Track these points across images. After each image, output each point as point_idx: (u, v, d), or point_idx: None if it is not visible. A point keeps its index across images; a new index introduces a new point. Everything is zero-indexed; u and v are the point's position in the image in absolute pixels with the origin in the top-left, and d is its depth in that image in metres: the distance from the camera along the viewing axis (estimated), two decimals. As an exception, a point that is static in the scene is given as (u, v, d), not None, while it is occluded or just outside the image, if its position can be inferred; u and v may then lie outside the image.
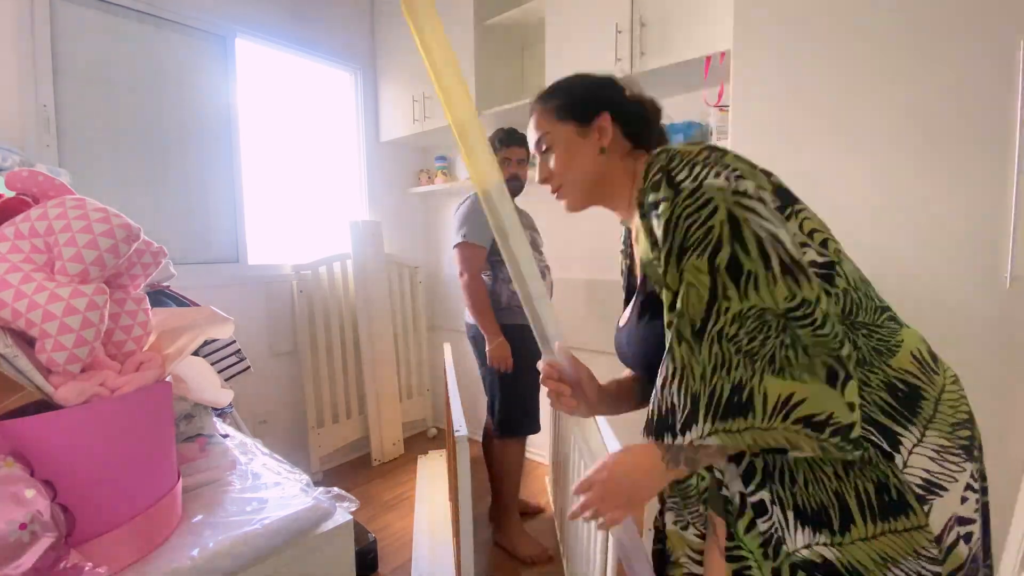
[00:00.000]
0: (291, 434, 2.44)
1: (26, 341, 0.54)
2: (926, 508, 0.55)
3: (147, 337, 0.67)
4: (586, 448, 1.20)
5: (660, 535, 0.78)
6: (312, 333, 2.46)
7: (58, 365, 0.52)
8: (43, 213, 0.55)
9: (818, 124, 1.28)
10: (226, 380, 1.07)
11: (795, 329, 0.52)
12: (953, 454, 0.57)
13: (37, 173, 0.60)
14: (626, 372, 0.86)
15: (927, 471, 0.56)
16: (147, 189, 2.04)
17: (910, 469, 0.56)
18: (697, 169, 0.59)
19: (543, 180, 0.79)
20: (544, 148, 0.77)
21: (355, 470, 2.55)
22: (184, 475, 0.71)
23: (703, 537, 0.70)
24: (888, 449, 0.56)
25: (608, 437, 1.08)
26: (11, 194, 0.59)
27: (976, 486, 0.58)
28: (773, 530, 0.59)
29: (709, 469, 0.65)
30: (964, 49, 1.12)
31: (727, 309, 0.53)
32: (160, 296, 1.05)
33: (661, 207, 0.59)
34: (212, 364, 1.01)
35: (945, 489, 0.55)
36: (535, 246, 1.91)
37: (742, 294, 0.53)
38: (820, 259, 0.60)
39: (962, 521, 0.55)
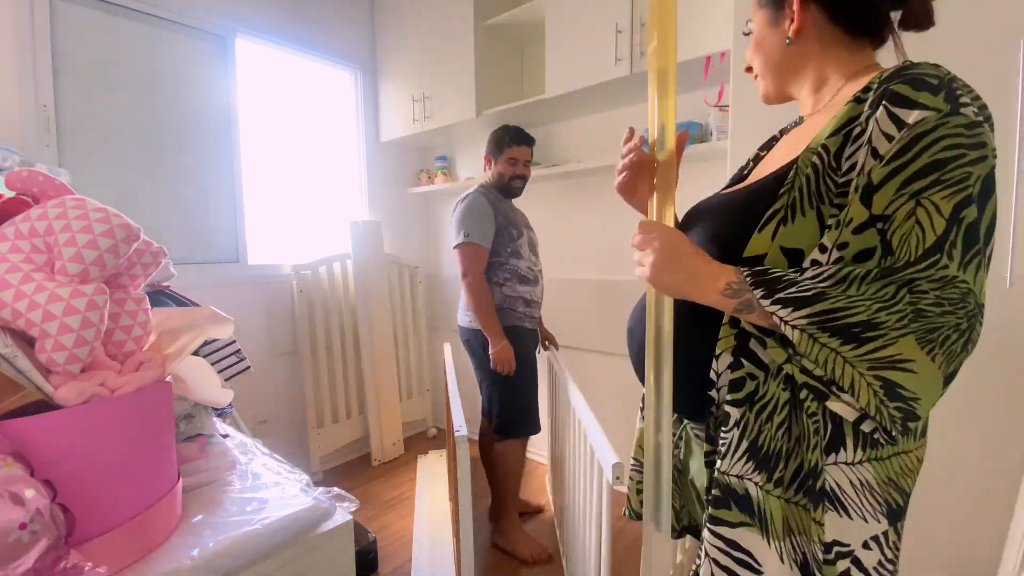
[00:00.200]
0: (291, 434, 2.44)
1: (26, 341, 0.54)
2: (823, 510, 0.55)
3: (147, 337, 0.67)
4: (583, 445, 1.21)
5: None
6: (312, 333, 2.46)
7: (58, 365, 0.52)
8: (43, 213, 0.55)
9: (818, 124, 1.28)
10: (226, 380, 1.07)
11: (978, 324, 0.49)
12: (873, 497, 0.55)
13: (37, 173, 0.60)
14: None
15: (838, 486, 0.55)
16: (147, 189, 2.04)
17: (830, 470, 0.55)
18: (978, 104, 0.52)
19: (746, 68, 0.75)
20: (746, 34, 0.74)
21: (355, 470, 2.55)
22: (184, 475, 0.71)
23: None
24: (836, 439, 0.55)
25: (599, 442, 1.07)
26: (11, 194, 0.59)
27: (888, 554, 0.56)
28: (721, 444, 0.61)
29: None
30: (964, 49, 1.12)
31: (944, 267, 0.48)
32: (160, 296, 1.05)
33: (924, 115, 0.49)
34: (212, 364, 1.01)
35: (849, 516, 0.55)
36: (533, 247, 1.91)
37: (962, 263, 0.48)
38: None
39: (856, 562, 0.55)
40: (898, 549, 0.57)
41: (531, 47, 2.42)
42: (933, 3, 0.64)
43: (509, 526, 1.85)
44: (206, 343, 1.06)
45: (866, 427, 0.54)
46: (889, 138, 0.51)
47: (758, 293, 0.53)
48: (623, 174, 0.74)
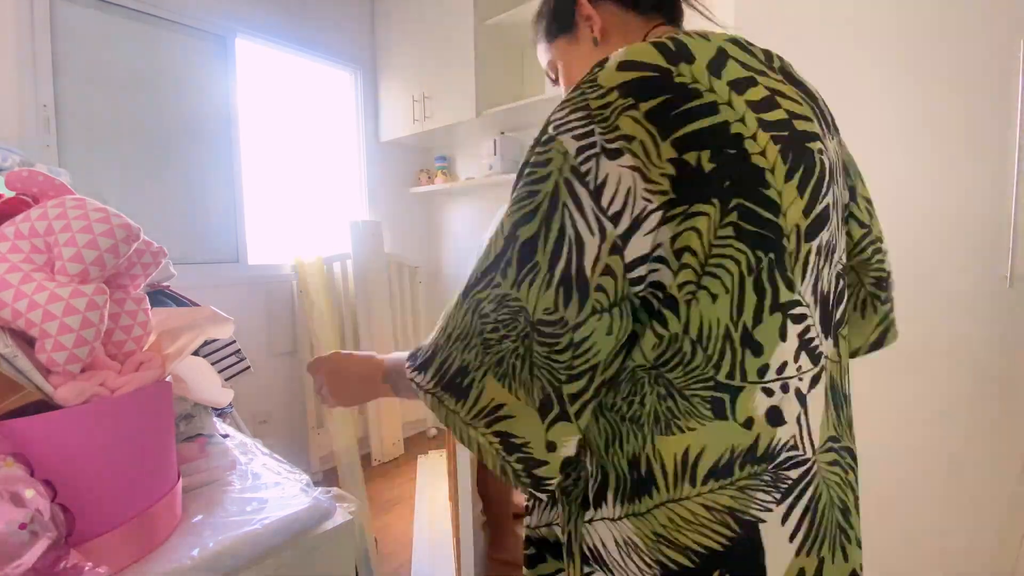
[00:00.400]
0: (291, 434, 2.44)
1: (26, 341, 0.54)
2: (586, 570, 0.51)
3: (147, 337, 0.67)
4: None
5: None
6: (312, 333, 2.46)
7: (58, 365, 0.52)
8: (43, 213, 0.55)
9: (818, 124, 1.28)
10: (226, 380, 1.06)
11: (533, 342, 0.44)
12: (641, 559, 0.47)
13: (37, 173, 0.60)
14: None
15: (603, 544, 0.50)
16: (147, 189, 2.04)
17: (597, 526, 0.50)
18: (567, 113, 0.45)
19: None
20: (555, 78, 0.70)
21: (355, 470, 2.55)
22: (184, 475, 0.71)
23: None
24: (590, 500, 0.50)
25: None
26: (11, 194, 0.59)
27: None
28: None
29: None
30: (964, 49, 1.12)
31: (497, 285, 0.46)
32: (160, 296, 1.05)
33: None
34: (212, 364, 1.01)
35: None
36: None
37: (516, 281, 0.45)
38: (664, 286, 0.44)
39: None
40: None
41: (531, 47, 2.41)
42: None
43: (506, 536, 1.83)
44: (206, 343, 1.06)
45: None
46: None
47: (408, 364, 0.52)
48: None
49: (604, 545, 0.49)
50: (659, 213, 0.42)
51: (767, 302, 0.44)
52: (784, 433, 0.45)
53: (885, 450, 1.18)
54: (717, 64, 0.45)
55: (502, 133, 2.47)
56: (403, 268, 2.91)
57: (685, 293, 0.43)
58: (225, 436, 0.88)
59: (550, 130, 0.46)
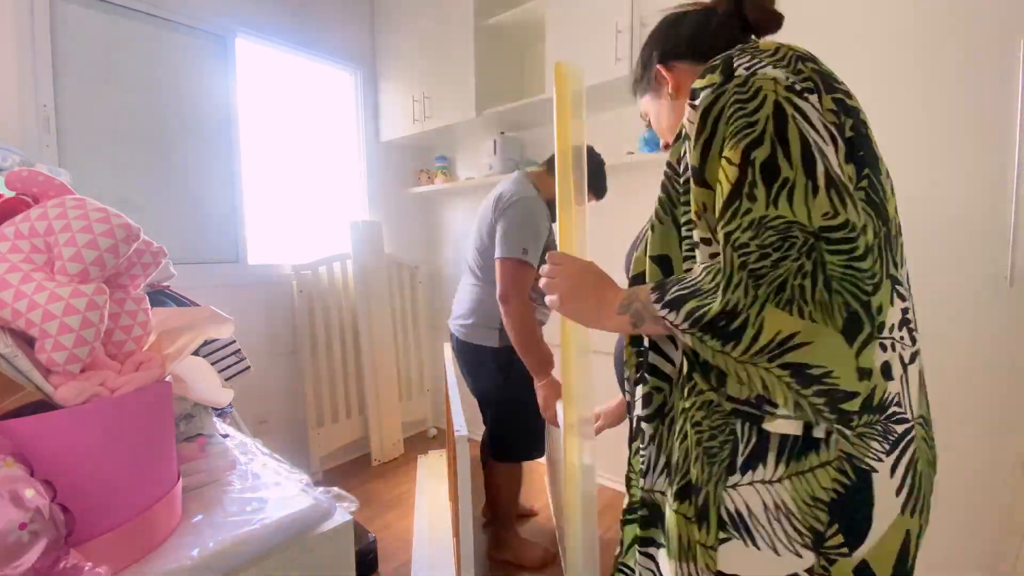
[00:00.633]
0: (291, 434, 2.44)
1: (26, 341, 0.54)
2: (717, 536, 0.50)
3: (147, 337, 0.67)
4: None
5: None
6: (312, 333, 2.46)
7: (58, 365, 0.52)
8: (43, 213, 0.55)
9: (818, 124, 1.28)
10: (226, 380, 1.06)
11: (825, 253, 0.42)
12: (791, 524, 0.46)
13: (37, 173, 0.60)
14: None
15: (747, 509, 0.48)
16: (147, 189, 2.04)
17: (742, 491, 0.49)
18: (757, 60, 0.50)
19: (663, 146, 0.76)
20: (648, 124, 0.81)
21: (355, 470, 2.55)
22: (184, 475, 0.71)
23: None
24: (737, 464, 0.49)
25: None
26: (11, 194, 0.59)
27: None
28: (641, 461, 0.60)
29: None
30: (964, 49, 1.12)
31: (747, 211, 0.45)
32: (160, 296, 1.05)
33: (701, 95, 0.51)
34: (212, 364, 1.01)
35: (756, 546, 0.48)
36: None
37: (770, 199, 0.44)
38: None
39: None
40: None
41: (531, 47, 2.41)
42: (773, 5, 0.66)
43: (509, 538, 1.82)
44: (206, 343, 1.06)
45: (819, 432, 0.47)
46: (691, 126, 0.53)
47: (653, 297, 0.52)
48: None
49: (750, 510, 0.48)
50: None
51: (886, 268, 0.46)
52: (892, 388, 0.47)
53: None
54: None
55: (502, 133, 2.47)
56: (403, 268, 2.91)
57: None
58: (225, 436, 0.89)
59: (742, 71, 0.50)
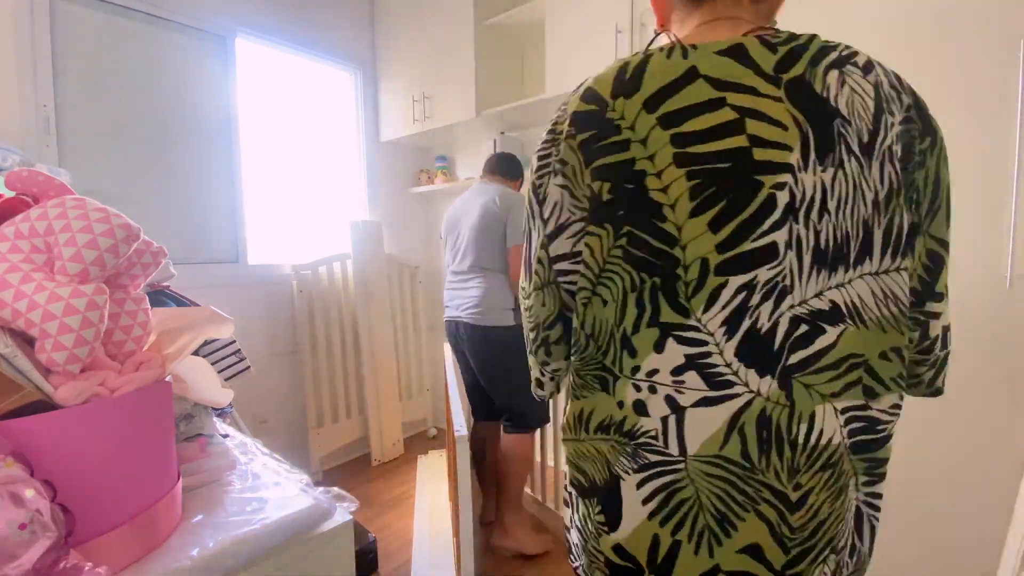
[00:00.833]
0: (291, 434, 2.44)
1: (26, 341, 0.54)
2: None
3: (147, 337, 0.67)
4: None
5: None
6: (312, 333, 2.46)
7: (58, 365, 0.52)
8: (43, 213, 0.55)
9: (818, 124, 1.28)
10: (226, 380, 1.06)
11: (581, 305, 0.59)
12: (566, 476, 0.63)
13: (37, 173, 0.60)
14: None
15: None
16: (147, 189, 2.04)
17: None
18: (545, 135, 0.60)
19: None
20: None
21: (355, 470, 2.55)
22: (184, 475, 0.71)
23: None
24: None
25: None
26: (11, 194, 0.59)
27: (590, 527, 0.59)
28: None
29: None
30: (964, 49, 1.12)
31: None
32: (160, 296, 1.05)
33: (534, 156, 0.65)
34: (212, 364, 1.01)
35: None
36: None
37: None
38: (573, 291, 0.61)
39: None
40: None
41: (531, 47, 2.41)
42: None
43: (518, 522, 1.83)
44: (206, 343, 1.06)
45: None
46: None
47: None
48: None
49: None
50: (581, 224, 0.56)
51: (646, 317, 0.51)
52: (647, 424, 0.52)
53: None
54: (662, 95, 0.50)
55: (502, 133, 2.47)
56: (403, 268, 2.91)
57: (583, 297, 0.56)
58: (225, 436, 0.88)
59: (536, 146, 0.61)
